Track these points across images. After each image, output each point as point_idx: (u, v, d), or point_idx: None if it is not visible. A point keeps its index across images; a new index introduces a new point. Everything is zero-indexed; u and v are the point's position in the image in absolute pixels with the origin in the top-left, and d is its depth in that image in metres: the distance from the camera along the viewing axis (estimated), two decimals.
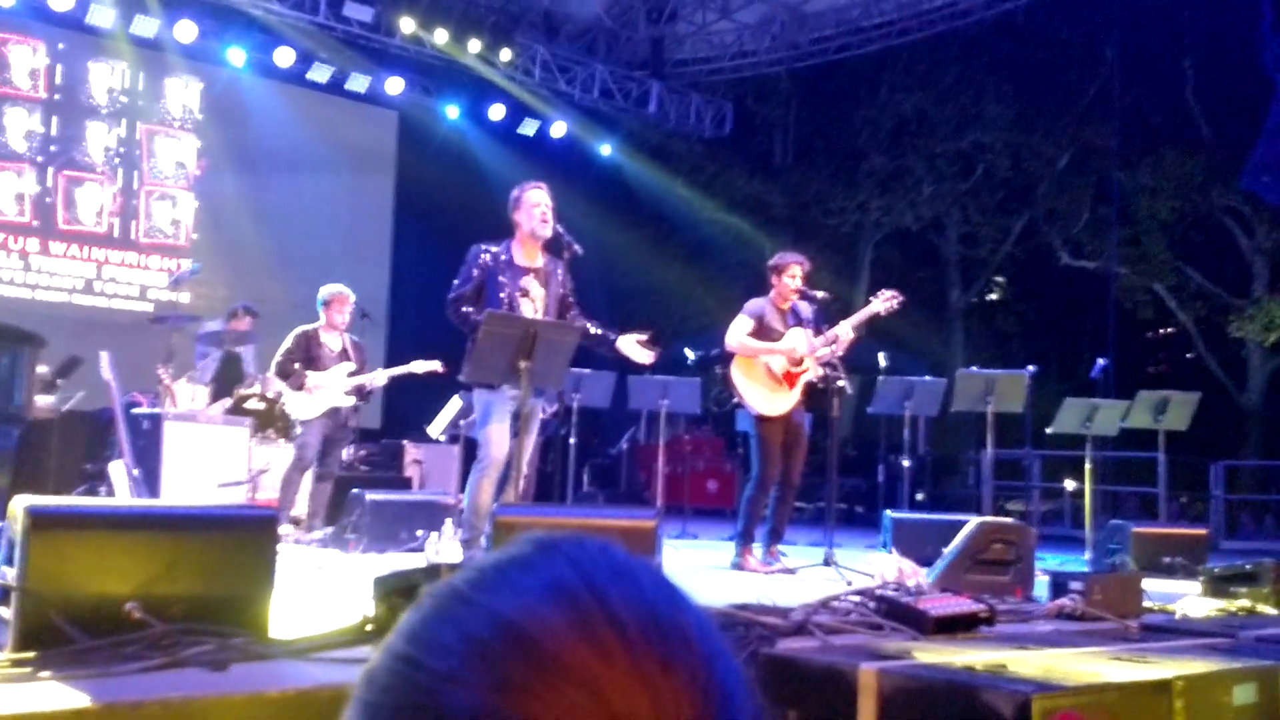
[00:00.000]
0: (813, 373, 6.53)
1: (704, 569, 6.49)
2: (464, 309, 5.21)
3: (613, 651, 0.52)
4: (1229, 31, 15.33)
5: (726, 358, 6.77)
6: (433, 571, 3.25)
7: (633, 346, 5.39)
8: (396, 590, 3.03)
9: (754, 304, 6.69)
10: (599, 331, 5.45)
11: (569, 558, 0.56)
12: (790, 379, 6.48)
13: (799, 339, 6.54)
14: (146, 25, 11.09)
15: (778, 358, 6.47)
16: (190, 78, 12.33)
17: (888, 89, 18.17)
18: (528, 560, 0.57)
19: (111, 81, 11.92)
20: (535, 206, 5.33)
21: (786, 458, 6.51)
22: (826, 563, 6.27)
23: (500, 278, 5.28)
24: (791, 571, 6.32)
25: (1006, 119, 18.06)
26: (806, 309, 6.72)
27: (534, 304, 5.32)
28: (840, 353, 6.48)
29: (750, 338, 6.53)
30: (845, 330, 6.49)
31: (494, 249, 5.36)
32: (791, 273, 6.59)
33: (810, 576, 6.03)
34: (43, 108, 11.56)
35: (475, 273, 5.30)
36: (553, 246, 5.45)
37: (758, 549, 6.55)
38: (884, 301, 6.71)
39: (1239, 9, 13.99)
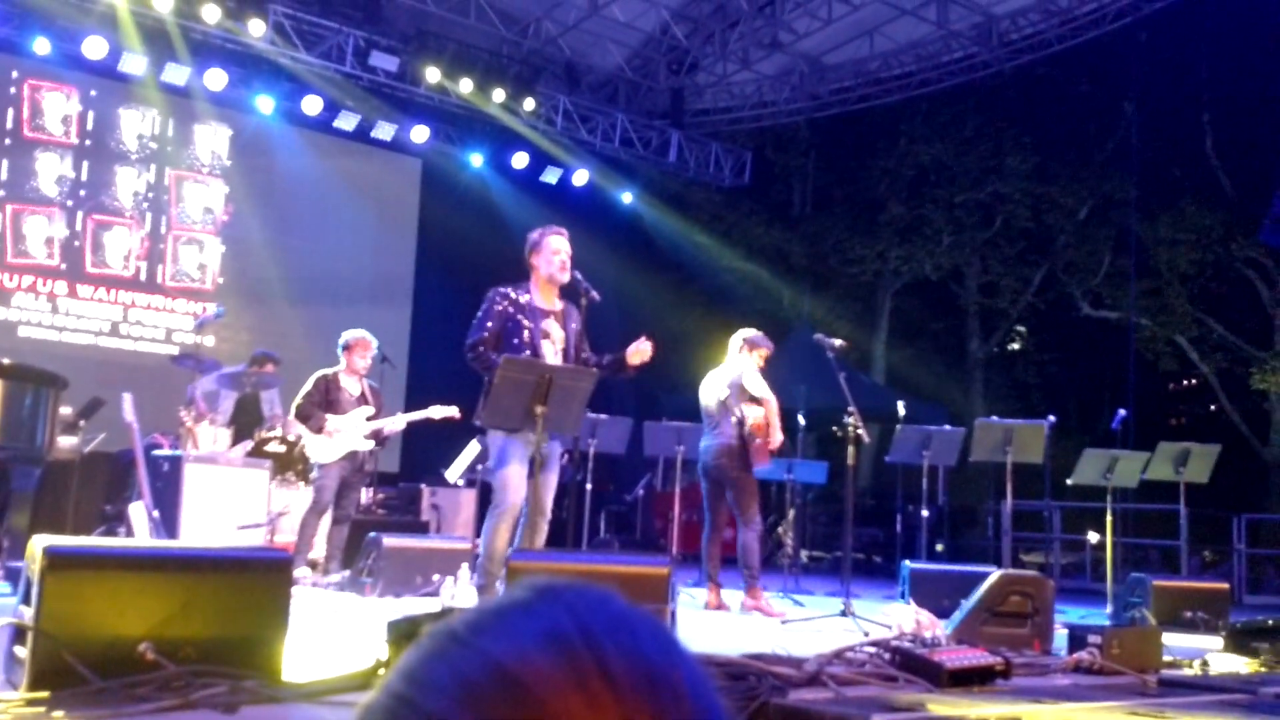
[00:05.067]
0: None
1: (719, 617, 6.46)
2: (485, 351, 5.21)
3: (603, 702, 0.52)
4: (1248, 87, 15.39)
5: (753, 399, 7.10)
6: (446, 615, 3.25)
7: (635, 353, 5.34)
8: (409, 634, 3.03)
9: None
10: (608, 359, 5.46)
11: (568, 605, 0.56)
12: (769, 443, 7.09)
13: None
14: (177, 73, 11.30)
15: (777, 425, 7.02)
16: (219, 125, 12.54)
17: (907, 139, 18.28)
18: (527, 605, 0.57)
19: (142, 128, 12.13)
20: (556, 253, 5.36)
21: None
22: (843, 613, 6.23)
23: (521, 320, 5.29)
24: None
25: (1026, 170, 18.12)
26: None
27: (555, 345, 5.32)
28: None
29: None
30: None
31: (513, 292, 5.38)
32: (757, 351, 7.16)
33: (827, 626, 6.00)
34: (74, 153, 11.76)
35: (494, 318, 5.31)
36: (570, 293, 5.47)
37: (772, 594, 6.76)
38: None
39: (1257, 64, 14.05)
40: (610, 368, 5.40)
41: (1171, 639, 4.96)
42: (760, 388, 6.92)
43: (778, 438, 6.92)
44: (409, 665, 0.56)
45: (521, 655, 0.53)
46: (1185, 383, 21.41)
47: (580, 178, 13.95)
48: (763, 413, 6.88)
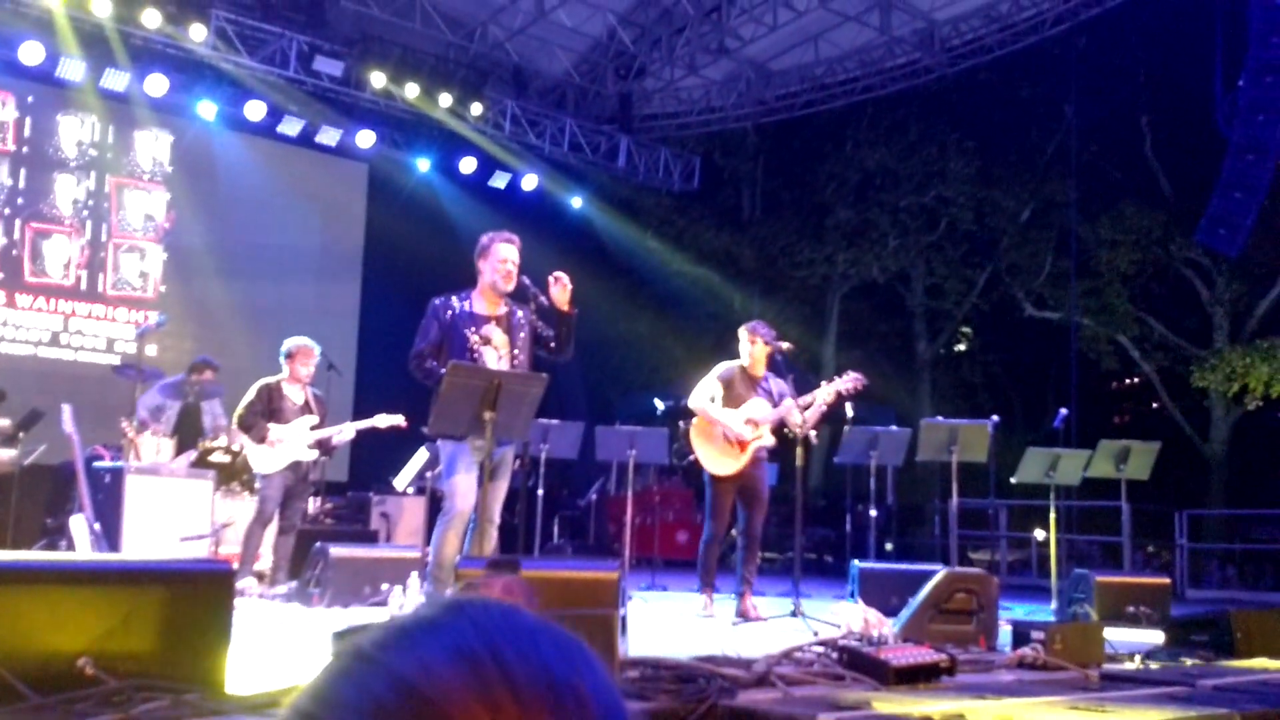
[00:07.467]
0: (766, 440, 6.73)
1: (672, 621, 6.47)
2: (428, 364, 5.15)
3: (508, 714, 0.53)
4: (1185, 89, 15.72)
5: (689, 414, 6.91)
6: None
7: (556, 287, 5.25)
8: None
9: (725, 367, 6.85)
10: (552, 331, 5.41)
11: (473, 621, 0.57)
12: (742, 444, 6.67)
13: (756, 409, 6.69)
14: (117, 79, 11.12)
15: (732, 425, 6.64)
16: (160, 131, 12.35)
17: (853, 144, 18.46)
18: (433, 622, 0.58)
19: (81, 134, 11.93)
20: (503, 262, 5.30)
21: (746, 511, 6.71)
22: (793, 613, 6.28)
23: (462, 329, 5.25)
24: (762, 619, 6.37)
25: (969, 174, 18.37)
26: (777, 384, 6.87)
27: (497, 351, 5.26)
28: (803, 433, 6.61)
29: (712, 403, 6.71)
30: (797, 417, 6.63)
31: (454, 300, 5.32)
32: (753, 340, 6.75)
33: (778, 627, 6.03)
34: (11, 160, 11.53)
35: (436, 327, 5.23)
36: (518, 297, 5.44)
37: (718, 598, 6.71)
38: (848, 382, 6.76)
39: (1193, 68, 14.37)
40: (560, 332, 5.37)
41: (1114, 634, 5.05)
42: (694, 395, 6.81)
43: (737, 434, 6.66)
44: (317, 685, 0.57)
45: (428, 671, 0.54)
46: (1127, 381, 21.80)
47: (529, 182, 13.92)
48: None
